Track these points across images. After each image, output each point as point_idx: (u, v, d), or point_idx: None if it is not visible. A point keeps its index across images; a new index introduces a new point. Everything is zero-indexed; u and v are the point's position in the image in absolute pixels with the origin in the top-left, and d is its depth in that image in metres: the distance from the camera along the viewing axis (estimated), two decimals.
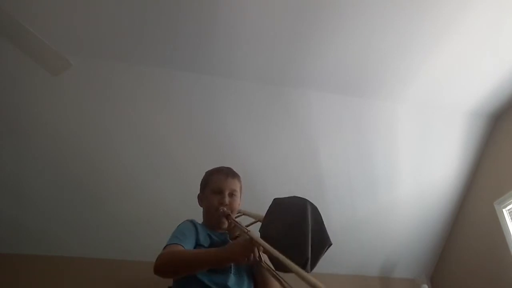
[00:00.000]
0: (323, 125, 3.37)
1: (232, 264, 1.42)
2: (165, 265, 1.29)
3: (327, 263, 3.93)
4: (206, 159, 3.25)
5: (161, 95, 3.11)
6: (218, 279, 1.36)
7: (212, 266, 1.30)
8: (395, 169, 3.64)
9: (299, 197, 1.38)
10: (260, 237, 1.27)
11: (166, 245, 1.36)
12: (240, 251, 1.21)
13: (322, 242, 1.28)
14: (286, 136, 3.38)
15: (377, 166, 3.59)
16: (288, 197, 1.40)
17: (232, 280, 1.38)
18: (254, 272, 1.48)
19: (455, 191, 3.85)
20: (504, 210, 3.46)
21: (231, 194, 1.55)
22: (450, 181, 3.78)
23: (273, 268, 1.21)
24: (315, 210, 1.33)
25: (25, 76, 2.84)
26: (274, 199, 1.40)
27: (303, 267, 1.20)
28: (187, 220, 1.53)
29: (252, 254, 1.20)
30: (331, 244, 1.30)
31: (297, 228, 1.24)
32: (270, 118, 3.30)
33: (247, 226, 1.45)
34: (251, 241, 1.20)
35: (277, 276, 1.15)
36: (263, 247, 1.13)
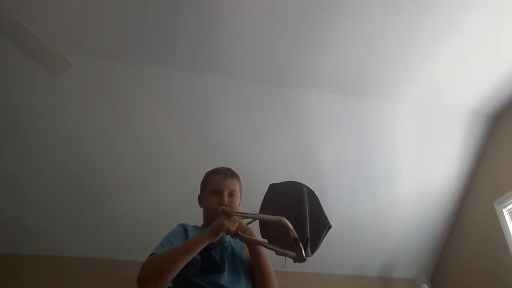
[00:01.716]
0: (323, 125, 3.37)
1: (227, 263, 1.42)
2: (147, 271, 1.26)
3: (327, 263, 3.94)
4: (206, 159, 3.25)
5: (161, 95, 3.11)
6: (212, 278, 1.36)
7: (197, 248, 1.30)
8: (395, 169, 3.64)
9: (295, 182, 1.39)
10: (259, 223, 1.30)
11: (150, 254, 1.35)
12: (219, 224, 1.30)
13: (321, 224, 1.28)
14: (286, 136, 3.38)
15: (377, 166, 3.59)
16: (284, 182, 1.40)
17: (225, 279, 1.38)
18: (252, 271, 1.48)
19: (455, 191, 3.85)
20: (504, 210, 3.46)
21: (231, 194, 1.54)
22: (450, 181, 3.78)
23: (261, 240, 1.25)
24: (311, 193, 1.34)
25: (25, 76, 2.84)
26: (270, 184, 1.40)
27: (304, 248, 1.21)
28: (179, 224, 1.53)
29: (231, 227, 1.30)
30: (330, 226, 1.30)
31: (294, 211, 1.24)
32: (270, 118, 3.30)
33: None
34: (228, 213, 1.30)
35: (262, 243, 1.19)
36: (244, 216, 1.20)
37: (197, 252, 1.31)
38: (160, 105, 3.14)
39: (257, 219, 1.35)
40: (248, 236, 1.38)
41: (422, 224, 3.93)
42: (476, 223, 3.73)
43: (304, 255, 1.09)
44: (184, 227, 1.51)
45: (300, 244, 1.08)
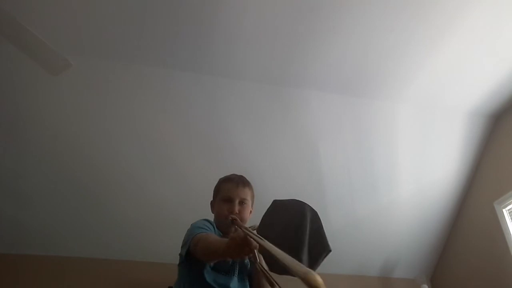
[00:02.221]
0: (323, 125, 3.37)
1: (237, 268, 1.44)
2: (199, 247, 1.30)
3: (327, 263, 3.93)
4: (206, 159, 3.26)
5: (161, 95, 3.11)
6: (222, 279, 1.38)
7: (223, 256, 1.28)
8: (395, 169, 3.63)
9: (299, 201, 1.37)
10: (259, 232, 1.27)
11: (193, 236, 1.36)
12: (234, 246, 1.17)
13: (320, 248, 1.27)
14: (286, 136, 3.38)
15: (377, 166, 3.59)
16: (287, 200, 1.39)
17: (235, 283, 1.41)
18: (251, 276, 1.49)
19: (455, 191, 3.85)
20: (504, 210, 3.46)
21: (241, 203, 1.55)
22: (450, 181, 3.78)
23: (266, 269, 1.20)
24: (314, 215, 1.32)
25: (25, 76, 2.84)
26: (274, 200, 1.39)
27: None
28: (203, 219, 1.54)
29: (246, 252, 1.16)
30: (330, 251, 1.29)
31: (294, 232, 1.23)
32: (270, 118, 3.30)
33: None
34: (245, 238, 1.16)
35: (270, 277, 1.14)
36: (259, 243, 1.12)
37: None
38: (160, 105, 3.14)
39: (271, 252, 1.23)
40: (261, 266, 1.34)
41: (422, 224, 3.93)
42: (476, 223, 3.73)
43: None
44: (210, 222, 1.53)
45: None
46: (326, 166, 3.52)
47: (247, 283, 1.47)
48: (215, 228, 1.51)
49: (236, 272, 1.43)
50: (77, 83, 2.95)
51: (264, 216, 1.36)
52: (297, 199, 1.38)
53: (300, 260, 1.18)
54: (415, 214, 3.87)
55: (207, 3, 2.58)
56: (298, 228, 1.25)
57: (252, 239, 1.16)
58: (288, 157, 3.44)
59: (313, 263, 1.25)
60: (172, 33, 2.75)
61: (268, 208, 1.36)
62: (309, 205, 1.34)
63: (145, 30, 2.74)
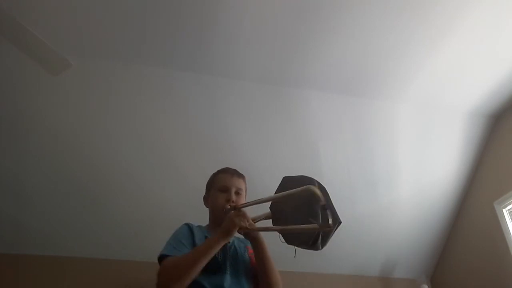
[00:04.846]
0: (323, 125, 3.37)
1: (228, 265, 1.42)
2: (169, 277, 1.29)
3: (327, 263, 3.94)
4: (206, 159, 3.26)
5: (161, 95, 3.11)
6: (214, 280, 1.36)
7: (213, 251, 1.32)
8: (395, 169, 3.63)
9: (308, 177, 1.43)
10: (272, 214, 1.39)
11: (162, 255, 1.36)
12: (230, 224, 1.34)
13: (332, 220, 1.29)
14: (286, 136, 3.38)
15: (377, 166, 3.59)
16: (297, 176, 1.45)
17: (227, 281, 1.38)
18: (255, 270, 1.48)
19: (455, 191, 3.85)
20: (504, 210, 3.45)
21: (237, 193, 1.56)
22: (450, 181, 3.78)
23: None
24: (323, 189, 1.36)
25: (25, 76, 2.84)
26: (284, 177, 1.47)
27: (314, 242, 1.23)
28: (183, 224, 1.53)
29: (243, 223, 1.33)
30: (340, 222, 1.33)
31: (306, 204, 1.26)
32: (270, 118, 3.30)
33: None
34: (236, 210, 1.35)
35: (280, 228, 1.21)
36: (257, 202, 1.26)
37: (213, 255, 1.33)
38: (160, 105, 3.14)
39: (275, 199, 1.40)
40: (260, 227, 1.41)
41: (422, 224, 3.93)
42: (476, 223, 3.73)
43: (330, 222, 1.18)
44: (189, 227, 1.51)
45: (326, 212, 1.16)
46: (326, 166, 3.51)
47: (243, 279, 1.43)
48: (194, 231, 1.48)
49: (228, 270, 1.40)
50: (77, 83, 2.95)
51: (276, 192, 1.40)
52: (304, 175, 1.45)
53: (339, 221, 1.28)
54: (415, 214, 3.86)
55: (207, 3, 2.58)
56: (309, 200, 1.29)
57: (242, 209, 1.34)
58: (288, 157, 3.44)
59: (326, 236, 1.28)
60: (172, 33, 2.76)
61: (279, 185, 1.43)
62: (317, 180, 1.38)
63: (145, 30, 2.74)
